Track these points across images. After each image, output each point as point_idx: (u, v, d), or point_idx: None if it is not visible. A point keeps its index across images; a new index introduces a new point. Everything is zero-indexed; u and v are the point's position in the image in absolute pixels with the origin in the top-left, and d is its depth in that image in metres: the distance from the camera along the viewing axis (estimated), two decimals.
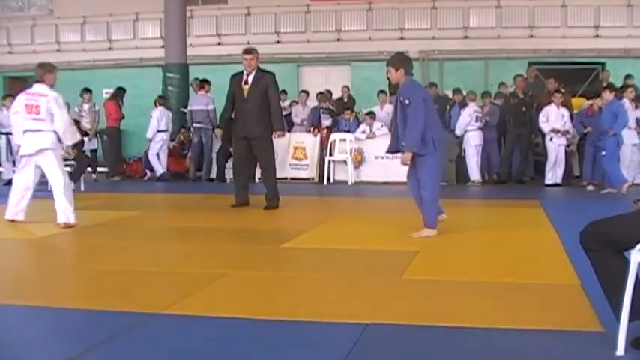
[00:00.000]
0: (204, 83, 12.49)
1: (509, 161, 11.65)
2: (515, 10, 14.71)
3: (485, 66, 14.80)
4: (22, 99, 6.63)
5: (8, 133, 10.88)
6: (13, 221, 6.67)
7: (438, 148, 5.80)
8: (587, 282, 3.68)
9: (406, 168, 5.91)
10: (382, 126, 11.79)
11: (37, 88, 6.57)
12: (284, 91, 13.73)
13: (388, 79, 13.86)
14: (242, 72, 7.88)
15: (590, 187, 10.31)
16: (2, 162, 11.46)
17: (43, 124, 6.49)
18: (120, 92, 13.27)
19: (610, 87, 10.33)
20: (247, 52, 7.87)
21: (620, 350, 2.83)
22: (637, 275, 2.83)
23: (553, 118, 10.89)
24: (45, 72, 6.58)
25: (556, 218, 6.95)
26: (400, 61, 5.87)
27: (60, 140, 6.62)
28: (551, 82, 11.70)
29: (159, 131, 12.38)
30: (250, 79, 7.79)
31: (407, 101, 5.71)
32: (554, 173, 10.96)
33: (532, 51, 14.53)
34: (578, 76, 14.23)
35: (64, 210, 6.51)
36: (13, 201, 6.73)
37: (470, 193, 10.27)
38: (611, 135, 9.72)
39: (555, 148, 10.92)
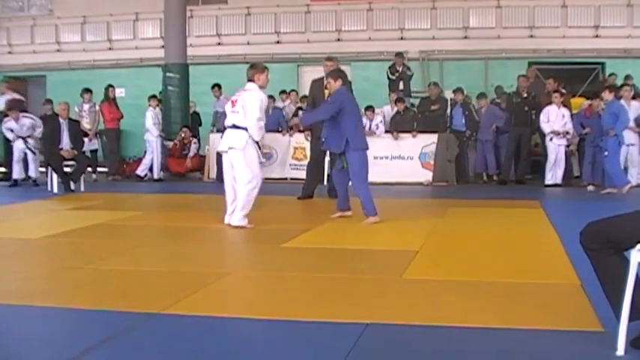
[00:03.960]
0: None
1: (511, 161, 11.63)
2: (515, 10, 14.70)
3: (485, 66, 14.79)
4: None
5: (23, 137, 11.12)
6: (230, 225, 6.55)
7: (356, 149, 6.72)
8: (587, 282, 3.69)
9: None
10: (381, 121, 11.82)
11: (247, 85, 6.69)
12: (284, 91, 13.76)
13: (388, 78, 13.78)
14: (323, 77, 8.13)
15: (590, 187, 10.31)
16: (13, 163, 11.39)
17: (237, 117, 6.52)
18: (108, 91, 13.25)
19: (610, 87, 10.32)
20: (328, 59, 8.31)
21: (620, 350, 2.84)
22: (637, 275, 2.83)
23: (553, 118, 10.89)
24: (255, 72, 6.66)
25: (556, 218, 6.96)
26: (337, 74, 7.05)
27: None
28: (550, 83, 11.68)
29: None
30: None
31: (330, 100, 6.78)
32: (554, 173, 10.95)
33: (532, 51, 14.52)
34: (578, 76, 14.21)
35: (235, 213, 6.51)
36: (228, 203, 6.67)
37: (470, 193, 10.26)
38: (612, 135, 9.72)
39: (555, 148, 10.92)
